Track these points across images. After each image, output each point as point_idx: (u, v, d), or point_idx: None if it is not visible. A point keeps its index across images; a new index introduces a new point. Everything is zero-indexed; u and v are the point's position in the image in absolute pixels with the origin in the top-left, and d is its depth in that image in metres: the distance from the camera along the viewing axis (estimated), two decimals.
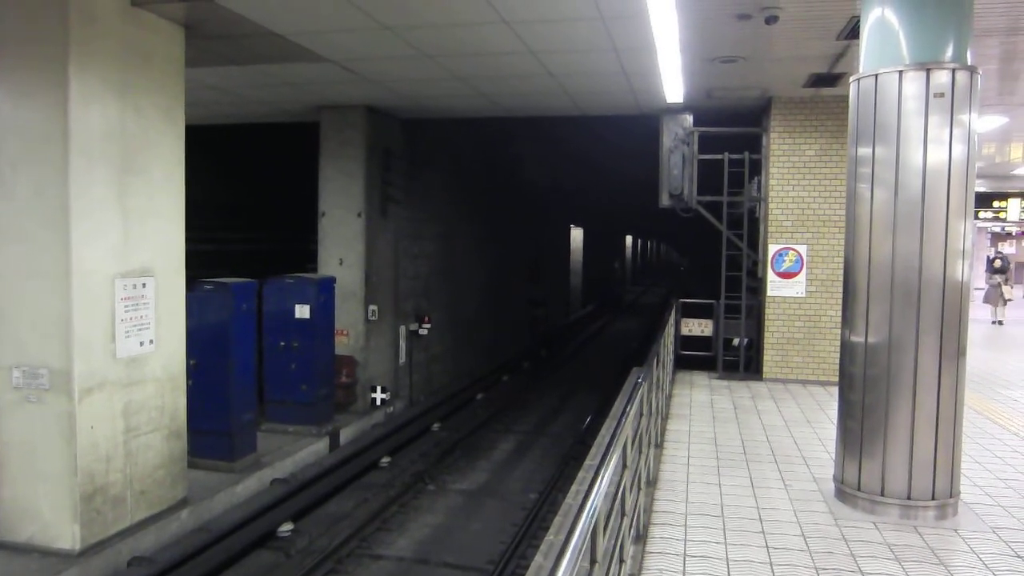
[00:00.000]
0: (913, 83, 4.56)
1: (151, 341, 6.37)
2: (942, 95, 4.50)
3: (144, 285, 6.26)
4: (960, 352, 4.67)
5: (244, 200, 14.28)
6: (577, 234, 30.82)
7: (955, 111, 4.51)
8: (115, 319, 5.97)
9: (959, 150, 4.54)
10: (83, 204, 5.65)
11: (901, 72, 4.58)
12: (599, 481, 2.61)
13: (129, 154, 6.08)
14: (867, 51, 4.83)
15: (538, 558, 1.99)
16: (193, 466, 7.40)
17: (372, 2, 6.21)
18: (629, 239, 54.30)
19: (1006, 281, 17.46)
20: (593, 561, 2.54)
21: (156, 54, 6.34)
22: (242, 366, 8.10)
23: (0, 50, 5.63)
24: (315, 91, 9.79)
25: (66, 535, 5.72)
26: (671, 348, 9.39)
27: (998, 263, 18.10)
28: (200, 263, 8.09)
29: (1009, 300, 17.66)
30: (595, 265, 35.79)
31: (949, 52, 4.52)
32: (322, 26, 6.89)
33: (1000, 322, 16.99)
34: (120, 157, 5.99)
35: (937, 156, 4.54)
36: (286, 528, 7.25)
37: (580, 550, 2.12)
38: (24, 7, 5.54)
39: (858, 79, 4.85)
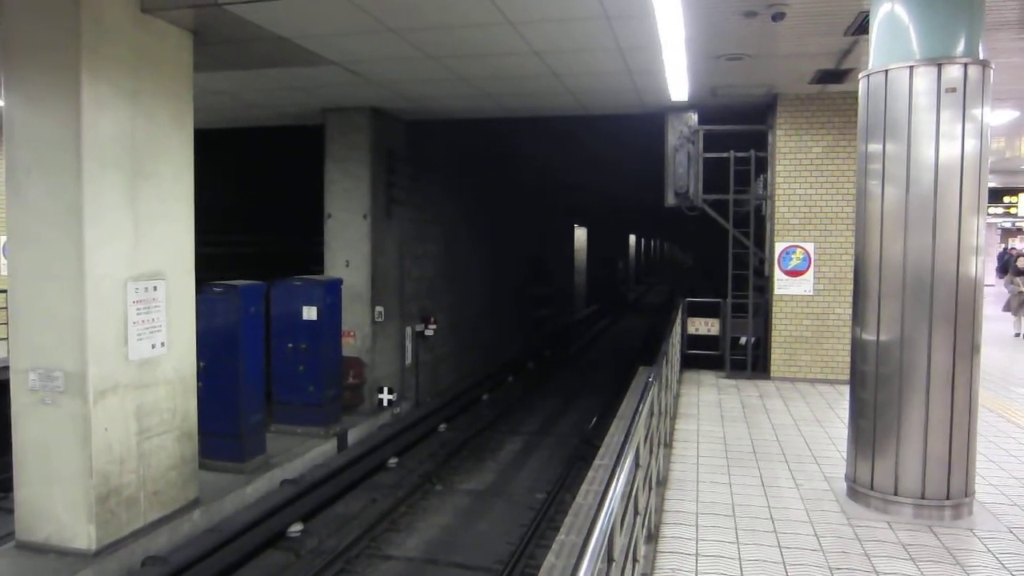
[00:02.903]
0: (924, 78, 4.54)
1: (162, 344, 6.39)
2: (954, 90, 4.48)
3: (155, 288, 6.28)
4: (974, 349, 4.65)
5: (250, 203, 14.32)
6: (581, 234, 30.84)
7: (967, 106, 4.49)
8: (127, 322, 6.00)
9: (971, 145, 4.52)
10: (95, 208, 5.68)
11: (912, 67, 4.57)
12: (616, 480, 2.61)
13: (139, 159, 6.11)
14: (877, 46, 4.81)
15: (550, 558, 2.00)
16: (203, 467, 7.42)
17: (377, 5, 6.22)
18: (632, 238, 54.27)
19: None
20: (610, 560, 2.54)
21: (165, 60, 6.36)
22: (251, 368, 8.12)
23: (13, 58, 5.69)
24: (320, 94, 9.81)
25: (82, 535, 5.75)
26: (678, 347, 9.38)
27: (1022, 262, 15.17)
28: (207, 266, 8.11)
29: None
30: (599, 264, 35.79)
31: (961, 46, 4.51)
32: (327, 29, 6.91)
33: None
34: (131, 162, 6.02)
35: (949, 151, 4.53)
36: (296, 528, 7.27)
37: (600, 549, 2.12)
38: (36, 15, 5.58)
39: (868, 75, 4.84)
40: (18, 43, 5.66)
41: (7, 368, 5.93)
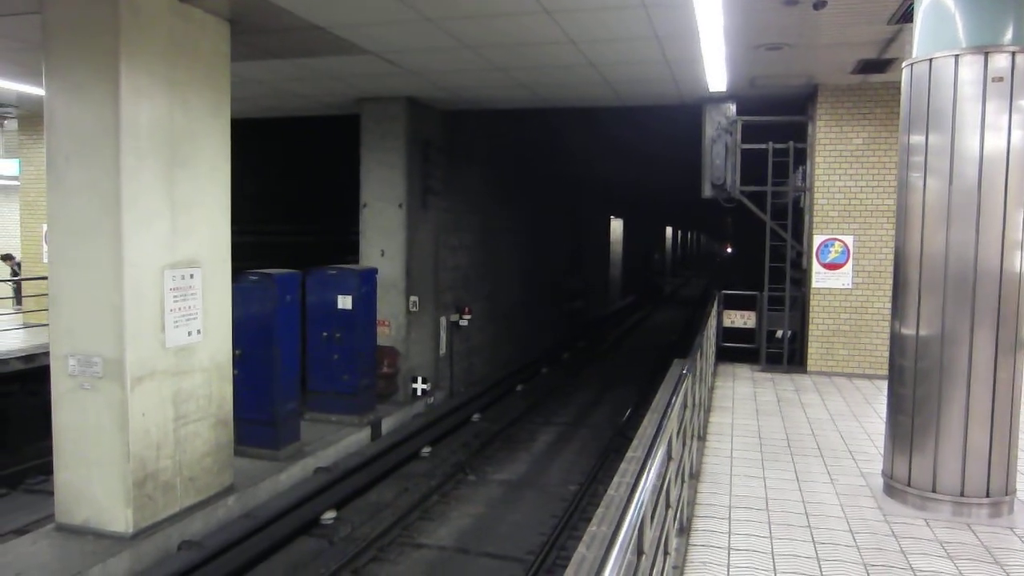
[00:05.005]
0: (970, 67, 4.42)
1: (199, 331, 6.48)
2: (1001, 79, 4.35)
3: (192, 276, 6.37)
4: (1017, 346, 4.53)
5: (286, 192, 14.47)
6: (617, 225, 30.67)
7: (1014, 96, 4.36)
8: (164, 309, 6.09)
9: (1018, 137, 4.38)
10: (133, 196, 5.76)
11: (957, 56, 4.44)
12: (647, 472, 2.58)
13: (177, 147, 6.19)
14: (921, 35, 4.69)
15: (581, 549, 1.98)
16: (239, 454, 7.52)
17: None
18: (669, 230, 53.84)
19: None
20: (640, 553, 2.51)
21: (203, 49, 6.43)
22: (286, 356, 8.20)
23: (52, 47, 5.79)
24: (356, 84, 9.85)
25: (119, 519, 5.87)
26: (713, 340, 9.28)
27: None
28: (243, 254, 8.20)
29: None
30: (635, 256, 35.59)
31: (1009, 34, 4.37)
32: (364, 18, 6.92)
33: None
34: (168, 150, 6.10)
35: (995, 143, 4.40)
36: (329, 516, 7.36)
37: (629, 541, 2.10)
38: (76, 5, 5.67)
39: (911, 64, 4.72)
40: (59, 32, 5.76)
41: (47, 354, 6.07)
